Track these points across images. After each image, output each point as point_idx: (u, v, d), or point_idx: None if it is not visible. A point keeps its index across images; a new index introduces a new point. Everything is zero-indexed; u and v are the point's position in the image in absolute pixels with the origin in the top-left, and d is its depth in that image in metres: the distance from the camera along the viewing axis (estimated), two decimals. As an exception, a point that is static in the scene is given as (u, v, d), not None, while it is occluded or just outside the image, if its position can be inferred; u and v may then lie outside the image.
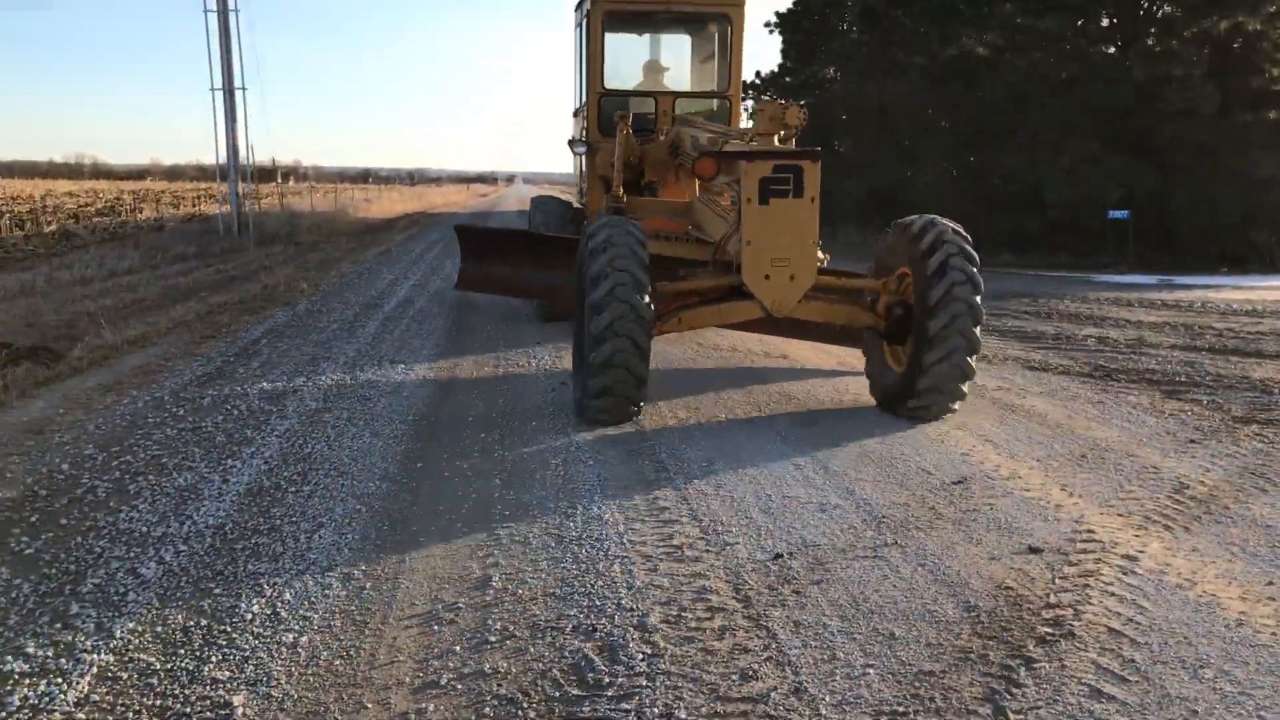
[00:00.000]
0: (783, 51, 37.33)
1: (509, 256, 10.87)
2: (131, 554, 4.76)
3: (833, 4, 35.31)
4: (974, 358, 7.39)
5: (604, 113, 11.24)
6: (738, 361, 9.72)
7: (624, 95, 11.66)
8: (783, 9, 36.07)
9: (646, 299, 6.97)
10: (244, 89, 25.30)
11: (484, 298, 12.96)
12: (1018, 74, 24.38)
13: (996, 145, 25.16)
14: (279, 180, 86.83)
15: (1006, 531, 5.18)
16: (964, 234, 7.56)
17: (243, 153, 25.91)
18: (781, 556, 4.79)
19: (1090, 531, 5.20)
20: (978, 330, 7.30)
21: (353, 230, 30.59)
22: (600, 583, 4.46)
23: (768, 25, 36.34)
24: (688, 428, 7.23)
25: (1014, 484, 5.99)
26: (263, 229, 26.52)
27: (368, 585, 4.43)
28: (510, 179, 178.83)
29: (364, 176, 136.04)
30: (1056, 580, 4.56)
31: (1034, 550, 4.92)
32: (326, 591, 4.36)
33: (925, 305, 7.34)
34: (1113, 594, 4.42)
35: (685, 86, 12.25)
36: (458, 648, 3.88)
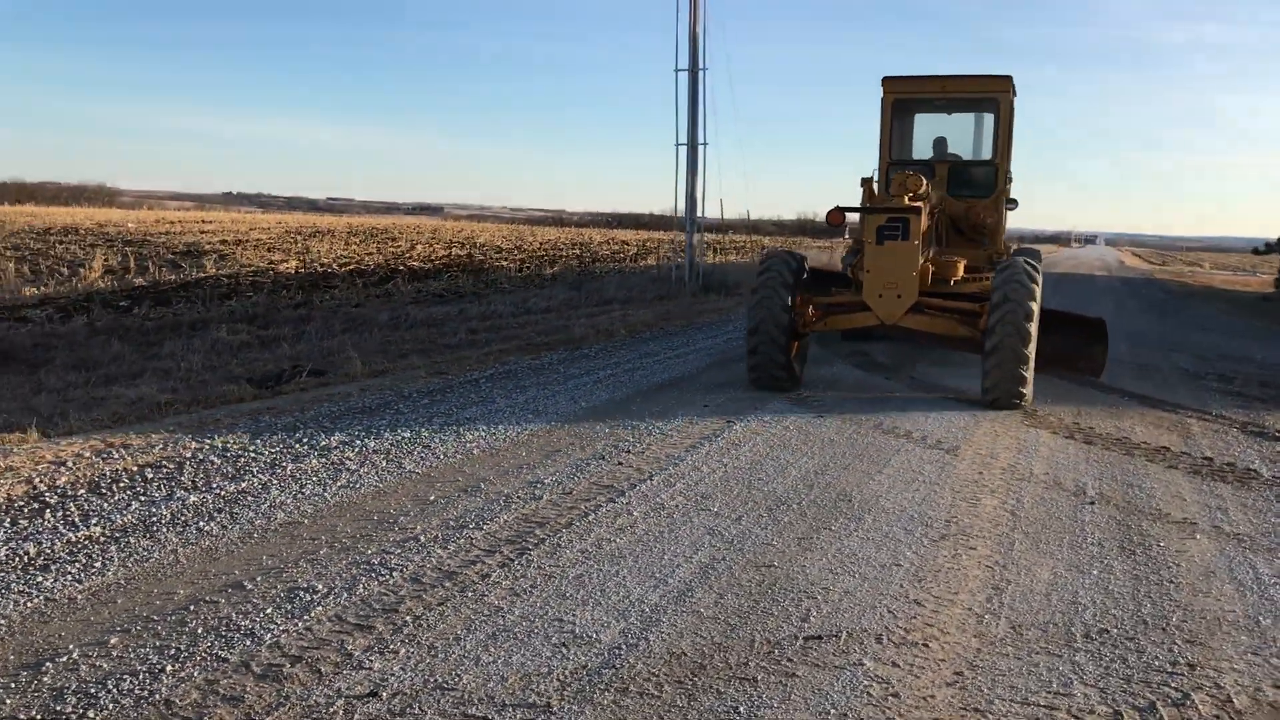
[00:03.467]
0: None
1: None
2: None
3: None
4: (1024, 367, 9.60)
5: (889, 180, 12.65)
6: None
7: (907, 165, 12.88)
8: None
9: (785, 310, 10.06)
10: (705, 144, 25.87)
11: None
12: None
13: None
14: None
15: None
16: (1034, 274, 9.74)
17: (700, 204, 26.48)
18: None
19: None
20: (1025, 351, 9.52)
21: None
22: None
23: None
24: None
25: (887, 654, 4.24)
26: (716, 277, 27.00)
27: None
28: (1089, 239, 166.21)
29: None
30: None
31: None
32: None
33: (989, 325, 9.65)
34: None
35: (971, 156, 13.72)
36: None
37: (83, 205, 73.76)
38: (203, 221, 57.57)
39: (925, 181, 10.52)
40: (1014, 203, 13.19)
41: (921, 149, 13.77)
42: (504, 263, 36.98)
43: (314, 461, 7.05)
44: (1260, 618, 4.89)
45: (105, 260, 35.64)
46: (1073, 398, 10.63)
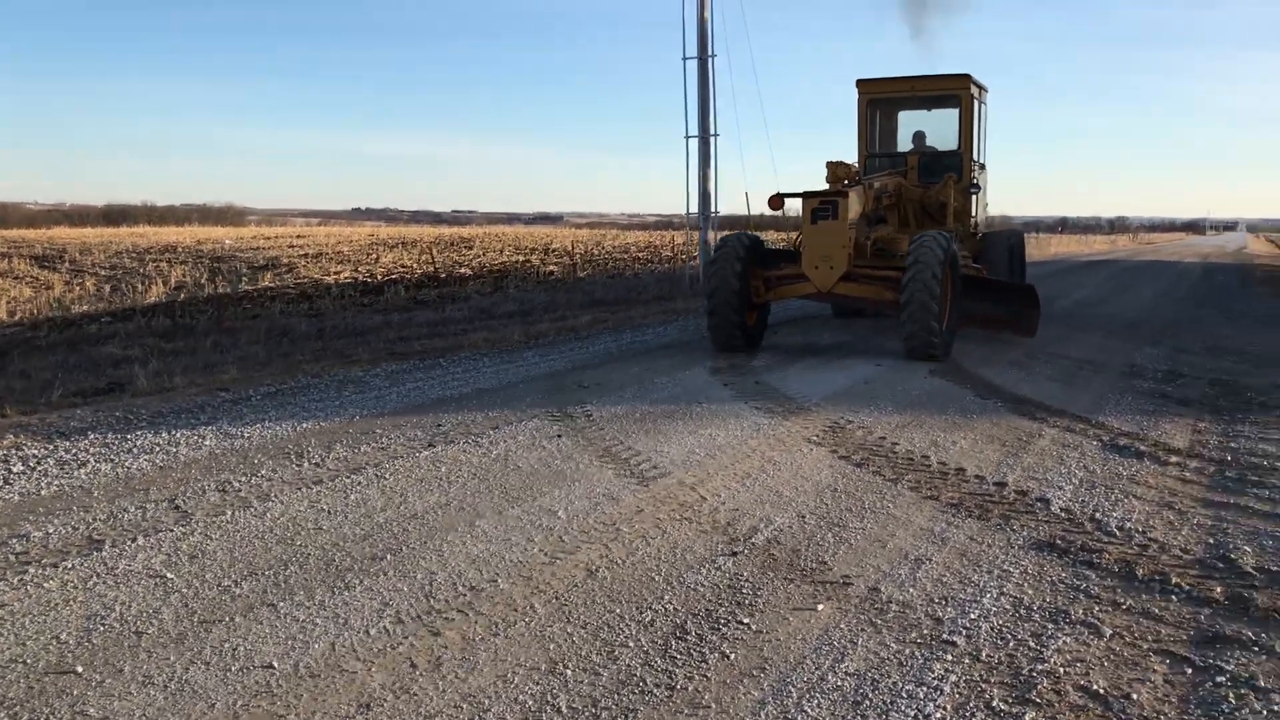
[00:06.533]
0: None
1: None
2: None
3: None
4: (934, 322, 10.53)
5: (866, 170, 13.79)
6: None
7: (883, 156, 14.46)
8: None
9: (737, 279, 11.32)
10: (716, 135, 24.00)
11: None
12: None
13: None
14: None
15: None
16: (943, 244, 10.76)
17: (713, 199, 24.63)
18: None
19: None
20: (933, 306, 10.49)
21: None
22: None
23: None
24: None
25: None
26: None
27: None
28: (1228, 226, 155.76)
29: (1060, 225, 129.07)
30: None
31: None
32: None
33: (903, 287, 10.58)
34: None
35: (947, 148, 14.35)
36: None
37: (209, 225, 75.84)
38: (297, 237, 58.12)
39: (853, 168, 12.19)
40: (976, 188, 14.15)
41: (906, 142, 14.89)
42: (551, 267, 35.78)
43: None
44: None
45: (181, 276, 35.87)
46: (929, 406, 8.73)
